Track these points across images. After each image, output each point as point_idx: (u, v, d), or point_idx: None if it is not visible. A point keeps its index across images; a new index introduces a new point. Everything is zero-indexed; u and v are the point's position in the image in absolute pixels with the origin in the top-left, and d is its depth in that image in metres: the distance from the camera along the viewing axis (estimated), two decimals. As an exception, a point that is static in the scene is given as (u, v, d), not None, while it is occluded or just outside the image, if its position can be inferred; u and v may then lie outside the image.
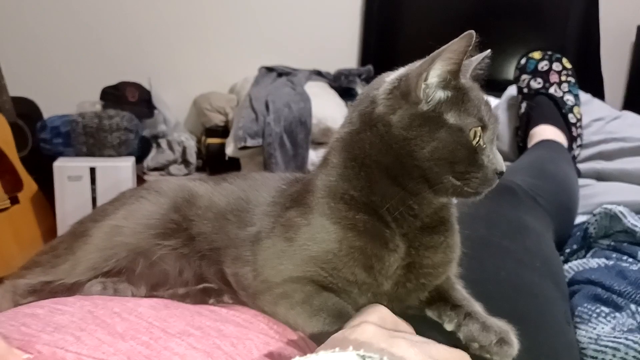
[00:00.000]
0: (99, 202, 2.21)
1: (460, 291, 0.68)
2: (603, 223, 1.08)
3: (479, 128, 0.61)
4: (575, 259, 1.06)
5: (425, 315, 0.68)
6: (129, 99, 2.50)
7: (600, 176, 1.44)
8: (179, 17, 2.76)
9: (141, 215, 0.73)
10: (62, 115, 2.27)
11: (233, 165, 2.36)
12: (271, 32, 2.84)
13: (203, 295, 0.70)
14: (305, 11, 2.85)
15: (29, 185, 2.27)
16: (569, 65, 1.57)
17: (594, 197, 1.28)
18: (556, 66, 1.56)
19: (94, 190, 2.22)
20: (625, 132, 1.56)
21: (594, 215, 1.09)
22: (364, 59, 2.87)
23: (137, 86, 2.55)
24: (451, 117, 0.61)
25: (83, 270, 0.71)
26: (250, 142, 2.24)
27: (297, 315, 0.64)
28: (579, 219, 1.21)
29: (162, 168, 2.51)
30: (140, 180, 2.37)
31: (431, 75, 0.61)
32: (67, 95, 2.53)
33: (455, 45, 0.60)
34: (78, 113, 2.31)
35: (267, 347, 0.57)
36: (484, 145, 0.62)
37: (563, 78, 1.54)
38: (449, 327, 0.65)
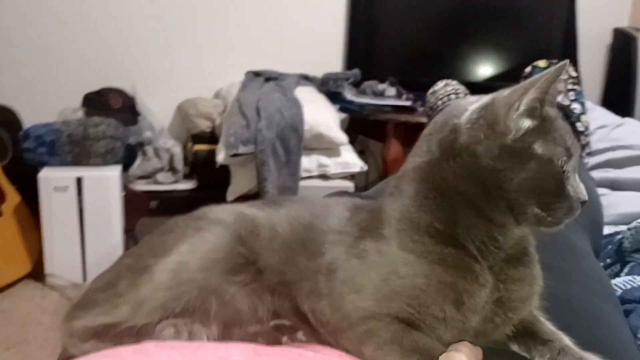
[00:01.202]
0: (87, 213, 2.16)
1: (547, 324, 0.67)
2: (637, 237, 1.10)
3: (565, 157, 0.61)
4: (611, 275, 1.08)
5: (510, 350, 0.67)
6: (113, 106, 2.44)
7: (614, 185, 1.47)
8: (160, 21, 2.69)
9: (207, 249, 0.69)
10: (46, 124, 2.20)
11: (222, 172, 2.32)
12: (256, 37, 2.80)
13: (276, 333, 0.67)
14: (290, 15, 2.82)
15: (12, 197, 2.19)
16: (574, 74, 1.60)
17: (612, 207, 1.31)
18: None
19: (80, 201, 2.15)
20: (631, 139, 1.60)
21: (629, 229, 1.11)
22: (350, 62, 2.86)
23: (121, 92, 2.49)
24: (539, 147, 0.60)
25: (150, 310, 0.67)
26: (242, 149, 2.21)
27: (386, 355, 0.61)
28: (605, 230, 1.22)
29: (148, 176, 2.45)
30: (126, 189, 2.31)
31: (522, 104, 0.60)
32: (47, 102, 2.43)
33: (550, 75, 0.59)
34: (62, 121, 2.23)
35: None
36: (569, 175, 0.62)
37: (569, 86, 1.56)
38: None
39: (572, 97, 1.56)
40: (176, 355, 0.56)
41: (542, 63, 1.62)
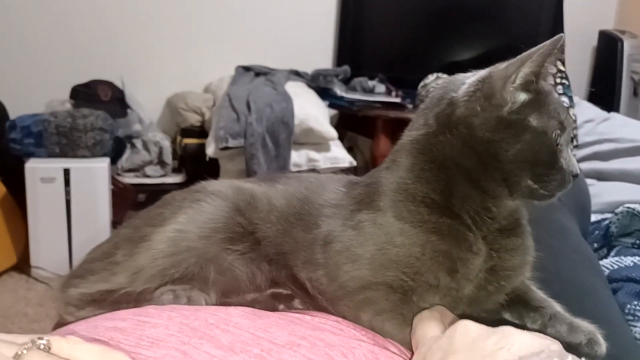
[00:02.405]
0: (74, 205, 2.14)
1: (538, 292, 0.69)
2: (624, 222, 1.12)
3: (559, 130, 0.62)
4: (599, 258, 1.10)
5: (502, 318, 0.68)
6: (101, 98, 2.42)
7: (601, 176, 1.50)
8: (151, 14, 2.68)
9: (206, 219, 0.70)
10: (33, 115, 2.18)
11: (211, 166, 2.32)
12: (246, 32, 2.80)
13: (272, 301, 0.68)
14: (281, 11, 2.83)
15: (-3, 188, 2.16)
16: (562, 68, 1.62)
17: (599, 196, 1.33)
18: (551, 68, 1.60)
19: (67, 193, 2.13)
20: (617, 133, 1.63)
21: (616, 214, 1.13)
22: (339, 59, 2.87)
23: (110, 84, 2.47)
24: (534, 120, 0.61)
25: (149, 277, 0.67)
26: (232, 143, 2.21)
27: (384, 322, 0.63)
28: (591, 218, 1.24)
29: (137, 169, 2.44)
30: (115, 182, 2.30)
31: (518, 77, 0.61)
32: (34, 93, 2.42)
33: (545, 48, 0.60)
34: (50, 112, 2.21)
35: (374, 355, 0.56)
36: (562, 148, 0.63)
37: (558, 80, 1.59)
38: (533, 328, 0.65)
39: (561, 91, 1.59)
40: (176, 316, 0.57)
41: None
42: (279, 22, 2.83)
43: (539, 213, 0.75)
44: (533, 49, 0.61)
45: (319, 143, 2.34)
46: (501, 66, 0.64)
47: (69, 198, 2.14)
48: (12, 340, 0.42)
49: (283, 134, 2.26)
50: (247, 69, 2.62)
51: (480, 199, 0.64)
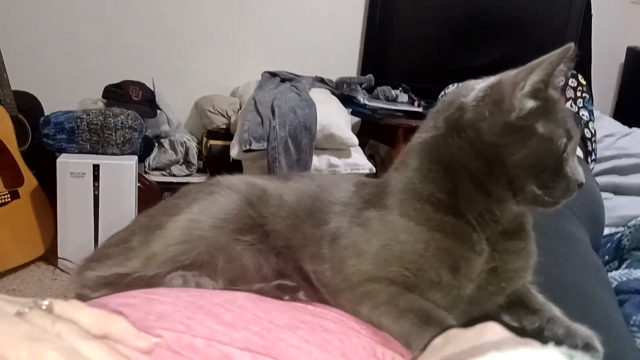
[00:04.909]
0: (102, 200, 2.20)
1: (538, 296, 0.69)
2: (636, 235, 1.13)
3: (565, 138, 0.63)
4: (609, 270, 1.11)
5: (501, 320, 0.69)
6: (132, 98, 2.49)
7: (618, 190, 1.51)
8: (183, 20, 2.76)
9: (218, 210, 0.74)
10: (67, 111, 2.25)
11: (235, 167, 2.37)
12: (273, 38, 2.86)
13: (278, 292, 0.70)
14: (309, 18, 2.88)
15: (29, 181, 2.24)
16: (584, 82, 1.63)
17: (615, 210, 1.34)
18: (572, 82, 1.61)
19: (96, 188, 2.20)
20: (637, 148, 1.63)
21: (629, 227, 1.14)
22: (364, 68, 2.91)
23: (141, 85, 2.54)
24: (541, 127, 0.62)
25: (161, 263, 0.71)
26: (255, 145, 2.25)
27: (381, 315, 0.64)
28: (605, 231, 1.25)
29: (163, 168, 2.51)
30: (142, 179, 2.36)
31: (527, 84, 0.63)
32: (69, 91, 2.51)
33: (555, 57, 0.61)
34: (82, 110, 2.29)
35: (372, 344, 0.58)
36: (567, 156, 0.64)
37: (578, 94, 1.59)
38: (530, 330, 0.66)
39: (581, 105, 1.59)
40: (184, 296, 0.59)
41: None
42: (306, 30, 2.88)
43: (547, 221, 0.76)
44: (543, 57, 0.62)
45: (340, 149, 2.38)
46: (511, 73, 0.65)
47: (97, 193, 2.20)
48: (14, 300, 0.44)
49: (305, 139, 2.30)
50: (273, 74, 2.67)
51: (485, 202, 0.64)
